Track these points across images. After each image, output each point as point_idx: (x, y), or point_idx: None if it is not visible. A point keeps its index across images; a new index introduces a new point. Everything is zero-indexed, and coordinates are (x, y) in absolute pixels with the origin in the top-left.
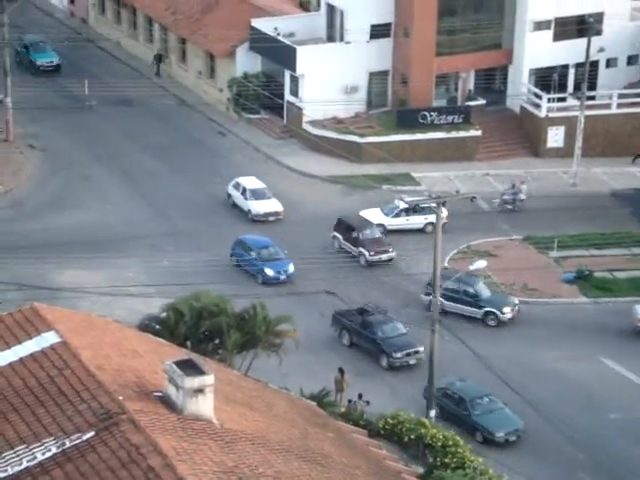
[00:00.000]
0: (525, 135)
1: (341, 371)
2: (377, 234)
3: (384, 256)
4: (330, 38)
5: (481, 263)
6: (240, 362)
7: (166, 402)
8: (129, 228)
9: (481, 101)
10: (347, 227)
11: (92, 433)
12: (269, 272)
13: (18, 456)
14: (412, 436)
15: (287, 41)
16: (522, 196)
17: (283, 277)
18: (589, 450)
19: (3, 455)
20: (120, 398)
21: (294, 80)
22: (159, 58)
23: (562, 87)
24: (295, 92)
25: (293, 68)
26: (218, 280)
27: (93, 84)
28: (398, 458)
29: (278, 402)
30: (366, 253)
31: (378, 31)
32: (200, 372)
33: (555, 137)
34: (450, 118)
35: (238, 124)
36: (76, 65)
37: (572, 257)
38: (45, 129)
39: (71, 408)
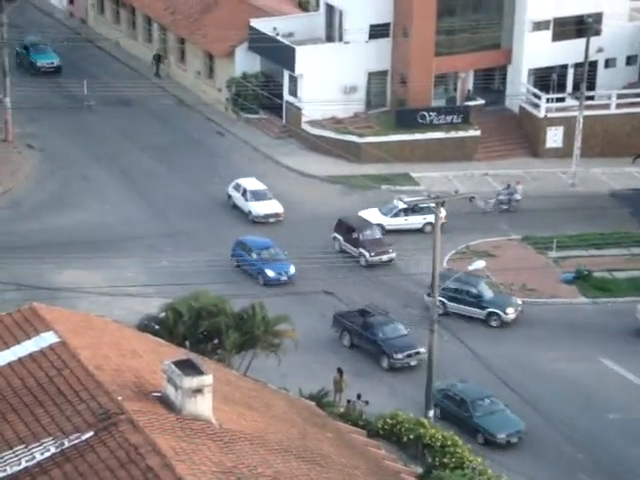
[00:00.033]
0: (524, 135)
1: (340, 371)
2: (377, 235)
3: (384, 257)
4: (329, 38)
5: (480, 263)
6: (239, 362)
7: (165, 402)
8: (128, 228)
9: (480, 101)
10: (348, 228)
11: (91, 433)
12: (270, 273)
13: (17, 456)
14: (411, 436)
15: (286, 41)
16: (517, 196)
17: (284, 278)
18: (588, 450)
19: (2, 455)
20: (119, 398)
21: (293, 80)
22: (158, 58)
23: (561, 87)
24: (294, 92)
25: (292, 68)
26: (218, 280)
27: (92, 84)
28: (397, 458)
29: (277, 402)
30: (366, 254)
31: (377, 31)
32: (199, 372)
33: (554, 137)
34: (449, 118)
35: (237, 124)
36: (75, 65)
37: (571, 257)
38: (44, 129)
39: (70, 408)
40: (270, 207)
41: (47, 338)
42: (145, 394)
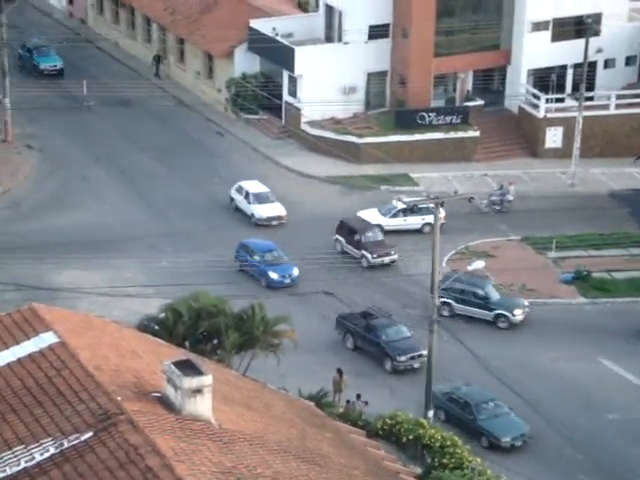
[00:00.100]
0: (523, 136)
1: (339, 372)
2: (380, 237)
3: (387, 259)
4: (328, 39)
5: (479, 264)
6: (238, 362)
7: (164, 402)
8: (127, 228)
9: (479, 102)
10: (350, 230)
11: (90, 434)
12: (273, 276)
13: (16, 456)
14: (410, 436)
15: (285, 42)
16: (510, 197)
17: (287, 281)
18: (587, 450)
19: (1, 456)
20: (118, 398)
21: (292, 80)
22: (158, 59)
23: (560, 88)
24: (293, 92)
25: (291, 68)
26: (218, 281)
27: (91, 84)
28: (396, 458)
29: (276, 402)
30: (369, 256)
31: (376, 32)
32: (198, 372)
33: (553, 138)
34: (448, 119)
35: (236, 124)
36: (75, 65)
37: (570, 257)
38: (43, 129)
39: (69, 409)
40: (273, 210)
41: (46, 338)
42: (145, 394)
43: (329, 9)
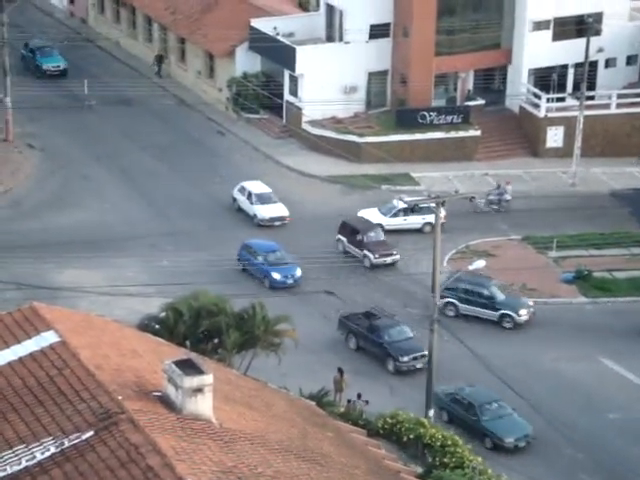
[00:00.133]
0: (524, 135)
1: (340, 371)
2: (382, 237)
3: (389, 259)
4: (329, 38)
5: (480, 263)
6: (239, 362)
7: (165, 402)
8: (128, 228)
9: (480, 101)
10: (352, 230)
11: (91, 433)
12: (276, 276)
13: (17, 456)
14: (411, 436)
15: (286, 41)
16: (507, 196)
17: (290, 281)
18: (588, 450)
19: (2, 455)
20: (119, 398)
21: (293, 80)
22: (160, 59)
23: (561, 87)
24: (294, 92)
25: (292, 68)
26: (219, 280)
27: (92, 84)
28: (397, 458)
29: (277, 402)
30: (371, 256)
31: (377, 31)
32: (199, 372)
33: (554, 137)
34: (449, 118)
35: (237, 124)
36: (76, 65)
37: (571, 257)
38: (44, 129)
39: (70, 408)
40: (275, 210)
41: (47, 337)
42: (145, 394)
43: (330, 8)
